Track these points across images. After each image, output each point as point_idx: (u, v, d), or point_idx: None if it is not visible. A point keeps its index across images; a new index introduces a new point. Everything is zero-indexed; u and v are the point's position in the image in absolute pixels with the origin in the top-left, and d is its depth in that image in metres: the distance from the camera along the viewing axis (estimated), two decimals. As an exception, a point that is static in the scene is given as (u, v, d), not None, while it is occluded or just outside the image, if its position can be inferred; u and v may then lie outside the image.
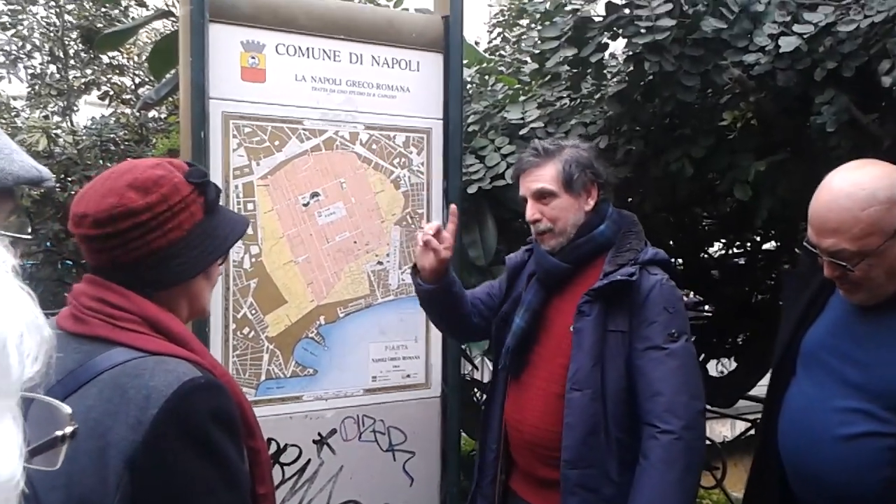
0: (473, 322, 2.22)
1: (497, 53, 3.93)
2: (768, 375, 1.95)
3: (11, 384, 0.51)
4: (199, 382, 1.09)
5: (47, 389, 1.11)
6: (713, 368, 3.90)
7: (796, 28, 2.02)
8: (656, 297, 1.93)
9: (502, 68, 3.41)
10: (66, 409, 0.63)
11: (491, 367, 2.34)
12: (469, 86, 3.17)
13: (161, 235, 1.16)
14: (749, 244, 3.65)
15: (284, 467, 2.36)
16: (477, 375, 4.20)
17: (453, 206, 2.14)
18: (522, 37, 3.62)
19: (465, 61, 2.67)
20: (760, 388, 2.54)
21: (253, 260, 2.30)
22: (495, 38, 4.14)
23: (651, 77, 2.31)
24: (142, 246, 1.15)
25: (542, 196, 2.03)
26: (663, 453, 1.84)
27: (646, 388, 1.90)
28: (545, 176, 2.02)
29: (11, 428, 0.52)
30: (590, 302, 1.95)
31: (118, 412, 1.05)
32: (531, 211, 2.04)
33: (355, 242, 2.45)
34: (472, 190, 2.68)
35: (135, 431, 1.03)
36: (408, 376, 2.57)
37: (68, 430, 0.62)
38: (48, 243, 4.05)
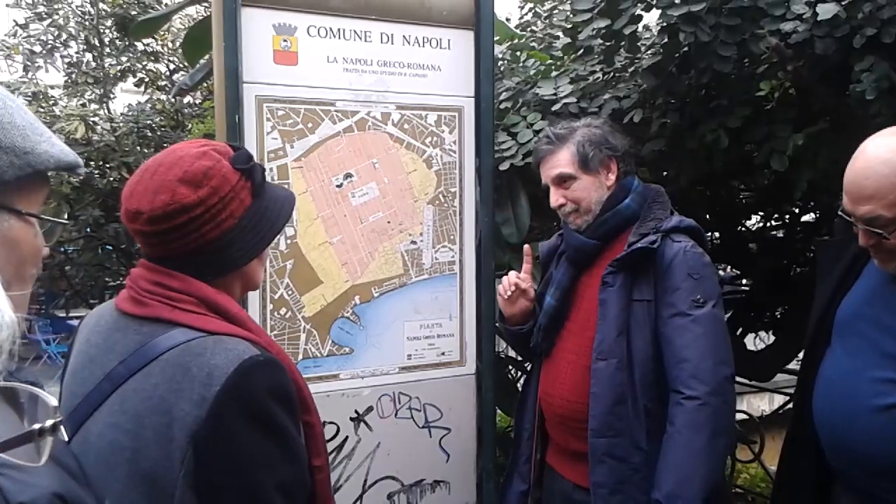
0: None
1: (528, 29, 3.88)
2: (805, 348, 1.93)
3: None
4: (257, 360, 1.13)
5: (109, 369, 1.16)
6: (751, 342, 3.86)
7: (835, -6, 1.98)
8: (680, 264, 1.93)
9: (534, 44, 3.37)
10: (52, 401, 0.61)
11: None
12: (500, 62, 3.15)
13: (215, 227, 1.19)
14: (787, 216, 3.59)
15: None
16: (511, 353, 4.21)
17: (527, 247, 2.26)
18: (554, 11, 3.58)
19: (496, 38, 2.65)
20: (799, 362, 2.52)
21: (288, 241, 2.33)
22: (526, 14, 4.10)
23: (686, 48, 2.28)
24: (197, 238, 1.18)
25: (563, 181, 2.06)
26: (689, 419, 1.84)
27: (672, 356, 1.91)
28: (561, 161, 2.06)
29: None
30: (613, 272, 1.97)
31: (182, 389, 1.09)
32: (554, 197, 2.09)
33: (389, 222, 2.46)
34: (504, 167, 2.67)
35: (199, 407, 1.07)
36: (442, 354, 2.59)
37: (48, 423, 0.59)
38: (88, 229, 4.13)
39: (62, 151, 0.95)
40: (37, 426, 0.58)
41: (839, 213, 1.64)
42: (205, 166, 1.18)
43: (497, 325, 2.44)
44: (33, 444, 0.58)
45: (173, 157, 1.20)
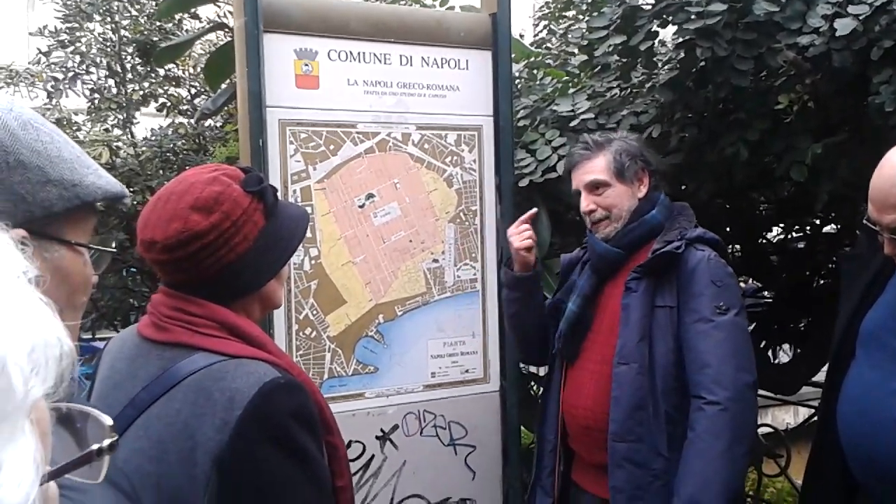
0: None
1: (543, 46, 3.92)
2: (830, 360, 1.92)
3: (15, 405, 0.48)
4: (279, 382, 1.14)
5: (133, 395, 1.18)
6: (775, 356, 3.83)
7: (851, 9, 1.98)
8: (703, 271, 1.94)
9: (549, 61, 3.40)
10: (108, 420, 0.61)
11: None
12: (517, 80, 3.17)
13: (229, 251, 1.20)
14: (808, 228, 3.57)
15: (349, 463, 2.40)
16: (533, 369, 4.21)
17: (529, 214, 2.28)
18: (570, 28, 3.60)
19: (512, 56, 2.68)
20: (822, 374, 2.50)
21: (313, 262, 2.35)
22: (541, 31, 4.13)
23: (703, 63, 2.29)
24: (213, 264, 1.19)
25: (596, 187, 2.08)
26: (709, 424, 1.84)
27: (694, 361, 1.91)
28: (597, 167, 2.08)
29: (22, 450, 0.49)
30: (637, 278, 1.98)
31: (204, 414, 1.10)
32: (585, 202, 2.09)
33: (411, 241, 2.49)
34: (523, 184, 2.69)
35: (221, 432, 1.08)
36: (466, 371, 2.60)
37: (106, 442, 0.59)
38: (114, 252, 4.19)
39: (109, 182, 0.98)
40: (95, 446, 0.59)
41: (864, 222, 1.64)
42: (215, 192, 1.19)
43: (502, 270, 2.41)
44: (91, 464, 0.60)
45: (184, 185, 1.21)
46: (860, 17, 1.95)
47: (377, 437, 2.45)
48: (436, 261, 2.53)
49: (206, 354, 1.17)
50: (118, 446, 0.60)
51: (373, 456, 2.45)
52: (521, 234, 2.18)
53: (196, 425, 1.10)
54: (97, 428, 0.62)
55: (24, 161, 0.88)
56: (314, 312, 2.36)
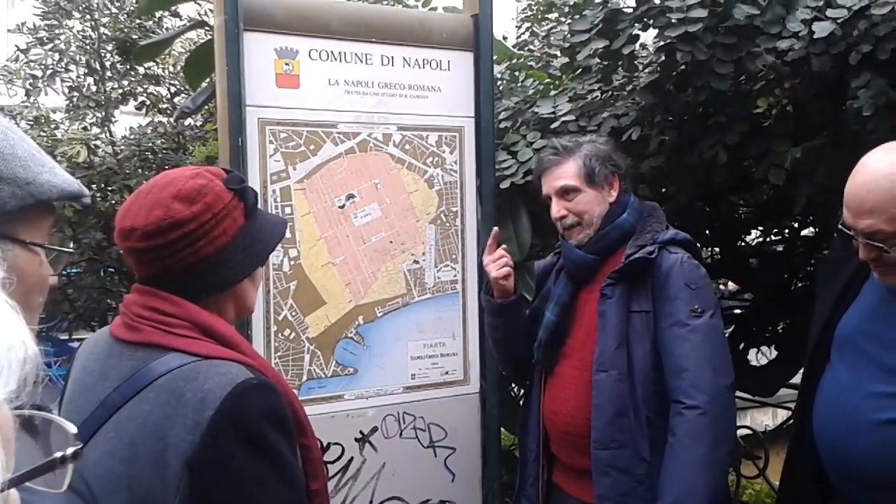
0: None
1: (526, 48, 3.92)
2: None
3: None
4: (251, 384, 1.13)
5: (104, 396, 1.17)
6: (753, 357, 3.86)
7: (830, 13, 2.00)
8: (677, 275, 1.95)
9: (531, 63, 3.40)
10: (72, 428, 0.61)
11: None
12: (499, 82, 3.17)
13: (208, 243, 1.20)
14: (787, 231, 3.60)
15: (328, 465, 2.39)
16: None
17: (495, 230, 2.25)
18: (552, 31, 3.61)
19: (494, 57, 2.68)
20: (800, 377, 2.52)
21: (292, 263, 2.34)
22: (524, 34, 4.14)
23: (683, 66, 2.30)
24: (190, 255, 1.19)
25: (566, 192, 2.08)
26: (689, 428, 1.85)
27: (672, 366, 1.92)
28: (567, 173, 2.07)
29: None
30: (612, 284, 1.99)
31: (176, 415, 1.09)
32: (556, 208, 2.10)
33: (391, 242, 2.48)
34: (505, 185, 2.69)
35: (192, 433, 1.07)
36: (446, 373, 2.59)
37: (69, 450, 0.58)
38: (90, 252, 4.14)
39: (65, 181, 0.96)
40: (59, 454, 0.58)
41: (839, 226, 1.65)
42: (198, 184, 1.20)
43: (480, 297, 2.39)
44: (54, 472, 0.59)
45: (166, 179, 1.22)
46: (838, 21, 1.97)
47: (356, 439, 2.44)
48: (416, 262, 2.52)
49: (178, 355, 1.16)
50: (82, 455, 0.59)
51: (352, 458, 2.43)
52: (497, 263, 2.15)
53: (167, 426, 1.09)
54: (61, 435, 0.61)
55: None
56: (293, 313, 2.35)
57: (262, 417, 1.13)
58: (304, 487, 1.22)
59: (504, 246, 2.21)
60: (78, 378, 1.27)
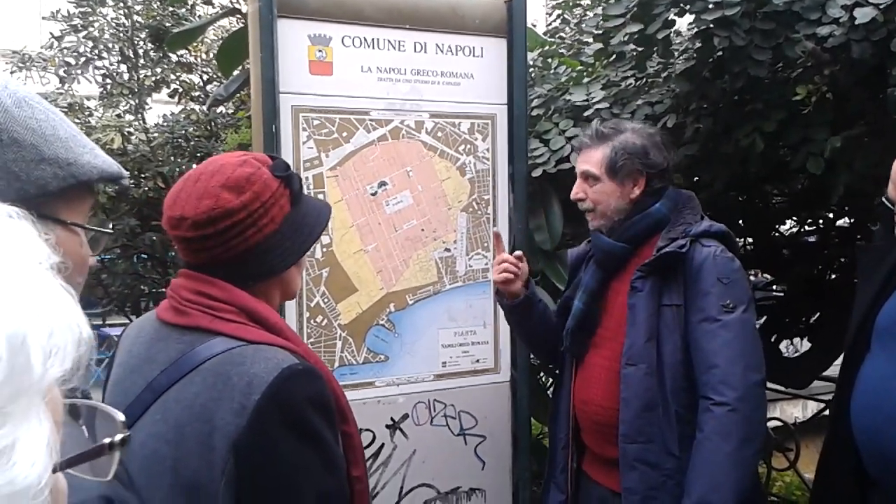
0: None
1: (557, 35, 3.89)
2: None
3: (32, 383, 0.48)
4: (297, 369, 1.14)
5: (151, 379, 1.18)
6: (786, 349, 3.81)
7: (871, -2, 1.96)
8: (709, 269, 1.91)
9: (563, 50, 3.37)
10: (119, 416, 0.61)
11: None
12: (531, 69, 3.15)
13: (257, 231, 1.21)
14: (822, 221, 3.54)
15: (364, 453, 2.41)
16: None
17: (495, 230, 2.30)
18: (583, 17, 3.57)
19: (526, 44, 2.66)
20: (834, 369, 2.49)
21: (324, 250, 2.35)
22: (554, 21, 4.10)
23: (720, 53, 2.27)
24: (240, 243, 1.20)
25: (587, 178, 2.06)
26: (718, 425, 1.83)
27: (702, 361, 1.89)
28: (592, 159, 2.06)
29: (37, 430, 0.48)
30: (642, 277, 1.96)
31: (222, 398, 1.10)
32: (575, 189, 2.10)
33: (423, 230, 2.48)
34: (536, 173, 2.67)
35: (239, 416, 1.08)
36: (477, 361, 2.59)
37: (118, 437, 0.59)
38: (124, 238, 4.20)
39: (105, 162, 0.97)
40: (107, 440, 0.58)
41: (883, 199, 1.62)
42: (247, 172, 1.21)
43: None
44: (99, 460, 0.59)
45: (214, 166, 1.23)
46: (881, 7, 1.92)
47: (387, 426, 2.45)
48: (448, 250, 2.52)
49: (225, 339, 1.17)
50: (129, 441, 0.59)
51: (382, 445, 2.45)
52: (497, 268, 2.15)
53: (214, 409, 1.10)
54: (107, 422, 0.62)
55: (17, 139, 0.87)
56: (325, 300, 2.36)
57: (307, 403, 1.14)
58: (346, 473, 1.23)
59: (518, 253, 2.20)
60: (124, 361, 1.29)
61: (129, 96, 4.65)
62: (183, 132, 4.35)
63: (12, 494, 0.46)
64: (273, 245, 1.23)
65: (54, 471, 0.51)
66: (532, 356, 2.79)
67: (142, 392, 1.19)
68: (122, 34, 4.58)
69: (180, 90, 4.80)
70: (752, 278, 4.62)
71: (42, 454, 0.48)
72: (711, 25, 2.13)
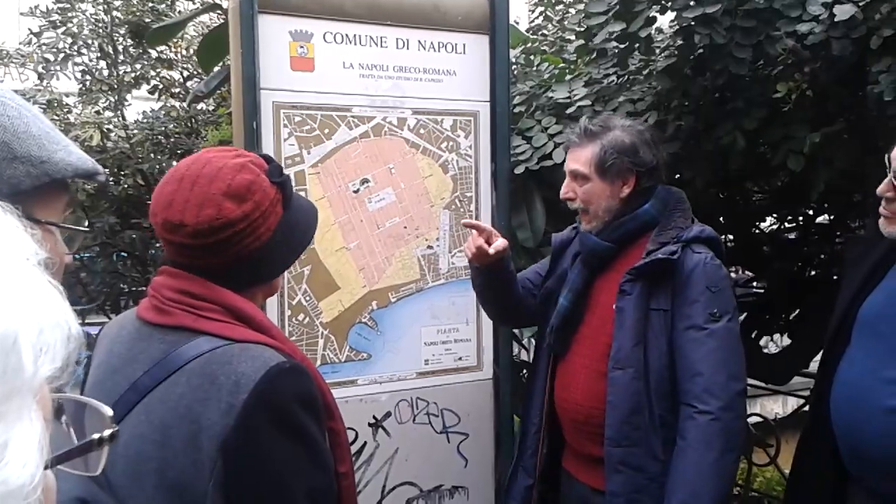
0: (526, 304, 2.23)
1: (539, 33, 3.90)
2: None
3: (24, 382, 0.47)
4: (284, 367, 1.13)
5: (133, 379, 1.16)
6: (766, 345, 3.84)
7: (851, -5, 1.97)
8: (699, 276, 1.91)
9: (545, 48, 3.38)
10: (108, 411, 0.60)
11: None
12: (514, 66, 3.15)
13: (255, 239, 1.19)
14: (801, 219, 3.58)
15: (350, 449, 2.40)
16: (525, 357, 4.21)
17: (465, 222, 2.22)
18: (566, 15, 3.58)
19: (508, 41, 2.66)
20: (814, 365, 2.51)
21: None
22: (537, 18, 4.11)
23: (701, 50, 2.28)
24: (238, 251, 1.19)
25: (576, 177, 2.04)
26: (701, 434, 1.84)
27: (686, 369, 1.90)
28: (581, 158, 2.03)
29: (29, 429, 0.48)
30: (631, 281, 1.95)
31: (209, 398, 1.09)
32: (565, 188, 2.08)
33: (405, 227, 2.47)
34: (519, 171, 2.67)
35: (226, 416, 1.07)
36: (460, 359, 2.59)
37: (107, 433, 0.59)
38: (103, 236, 4.16)
39: (79, 159, 0.95)
40: (96, 436, 0.58)
41: (889, 157, 1.60)
42: (248, 180, 1.17)
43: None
44: (88, 456, 0.58)
45: (212, 169, 1.18)
46: (860, 4, 1.94)
47: (370, 424, 2.45)
48: (430, 247, 2.51)
49: (209, 338, 1.15)
50: (118, 436, 0.59)
51: (365, 443, 2.44)
52: (466, 247, 2.11)
53: (200, 410, 1.09)
54: (96, 418, 0.61)
55: None
56: (307, 298, 2.35)
57: (295, 400, 1.13)
58: (333, 470, 1.22)
59: (487, 227, 2.14)
60: (104, 361, 1.26)
61: (109, 93, 4.60)
62: (163, 129, 4.31)
63: (5, 494, 0.46)
64: (268, 252, 1.22)
65: (48, 466, 0.51)
66: (515, 354, 2.79)
67: (125, 392, 1.17)
68: (101, 30, 4.53)
69: (160, 86, 4.75)
70: (732, 275, 4.65)
71: (34, 453, 0.48)
72: (693, 23, 2.14)
